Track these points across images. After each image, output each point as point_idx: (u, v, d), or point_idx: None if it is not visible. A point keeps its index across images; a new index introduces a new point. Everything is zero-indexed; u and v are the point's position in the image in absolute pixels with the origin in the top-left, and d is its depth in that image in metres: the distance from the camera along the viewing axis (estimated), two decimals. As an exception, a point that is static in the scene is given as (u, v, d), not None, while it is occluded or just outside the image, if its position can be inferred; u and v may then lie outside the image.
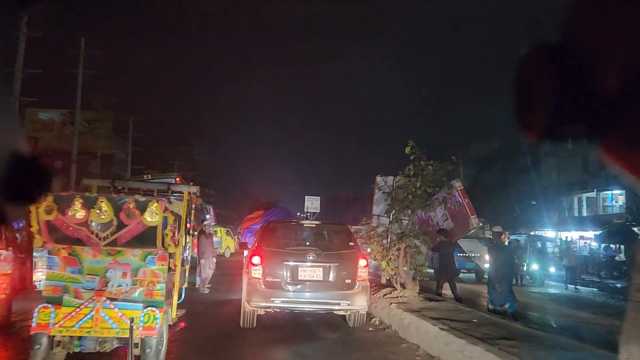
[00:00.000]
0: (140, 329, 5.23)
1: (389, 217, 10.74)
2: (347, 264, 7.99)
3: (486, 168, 39.44)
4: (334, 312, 8.25)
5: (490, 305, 9.98)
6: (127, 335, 5.10)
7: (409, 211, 9.72)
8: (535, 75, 0.75)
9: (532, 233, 20.97)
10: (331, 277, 7.87)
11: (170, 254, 5.74)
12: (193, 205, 7.25)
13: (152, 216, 5.44)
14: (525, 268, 18.46)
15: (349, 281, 7.91)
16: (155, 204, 5.47)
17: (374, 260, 10.55)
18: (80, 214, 5.21)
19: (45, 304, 5.19)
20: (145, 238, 5.43)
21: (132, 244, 5.45)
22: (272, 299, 7.77)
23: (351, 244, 8.42)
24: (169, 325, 6.19)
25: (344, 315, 8.59)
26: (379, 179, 11.42)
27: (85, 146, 36.21)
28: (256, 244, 8.71)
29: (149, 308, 5.29)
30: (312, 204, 22.69)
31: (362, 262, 8.10)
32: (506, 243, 16.91)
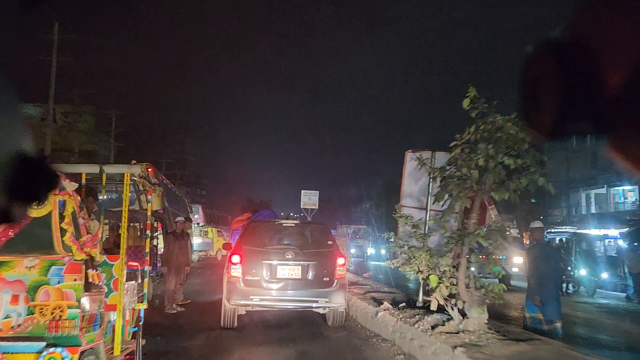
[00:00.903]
0: None
1: (427, 204, 7.21)
2: (325, 263, 7.92)
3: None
4: (313, 309, 8.14)
5: (529, 322, 7.16)
6: None
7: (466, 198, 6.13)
8: (542, 72, 0.74)
9: (577, 230, 17.31)
10: (309, 275, 7.80)
11: (88, 261, 4.03)
12: (149, 197, 5.56)
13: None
14: (571, 274, 14.86)
15: (327, 279, 7.84)
16: None
17: (417, 275, 6.90)
18: None
19: None
20: (36, 238, 3.80)
21: (15, 249, 3.77)
22: (251, 297, 7.63)
23: (329, 242, 8.40)
24: None
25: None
26: (410, 155, 7.89)
27: (65, 142, 32.90)
28: (235, 243, 8.63)
29: (54, 349, 3.57)
30: (310, 199, 19.21)
31: (340, 261, 8.05)
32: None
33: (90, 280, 4.06)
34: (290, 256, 7.78)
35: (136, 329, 4.95)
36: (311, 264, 7.77)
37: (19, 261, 3.79)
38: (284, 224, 8.73)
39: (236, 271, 7.69)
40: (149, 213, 5.35)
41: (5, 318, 3.67)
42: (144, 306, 4.96)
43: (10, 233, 3.75)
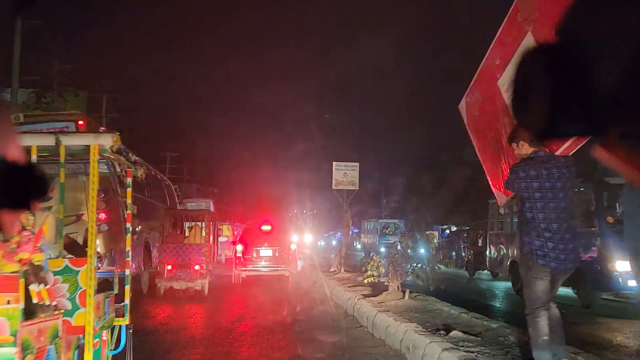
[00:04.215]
0: None
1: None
2: (285, 247, 13.55)
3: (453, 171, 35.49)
4: (279, 272, 13.31)
5: None
6: None
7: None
8: (533, 73, 0.73)
9: None
10: (277, 254, 13.33)
11: (27, 272, 2.73)
12: (129, 179, 4.09)
13: None
14: None
15: (286, 256, 13.39)
16: None
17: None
18: None
19: None
20: None
21: None
22: (247, 266, 13.14)
23: (287, 237, 14.30)
24: None
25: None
26: None
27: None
28: (239, 238, 14.59)
29: None
30: (346, 175, 12.17)
31: (293, 247, 13.84)
32: None
33: (36, 300, 2.72)
34: (266, 245, 13.45)
35: (117, 351, 3.87)
36: (277, 248, 13.39)
37: None
38: (263, 229, 14.15)
39: (239, 253, 13.31)
40: (128, 200, 4.04)
41: None
42: (125, 321, 3.80)
43: None
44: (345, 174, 12.22)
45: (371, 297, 7.84)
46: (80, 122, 8.78)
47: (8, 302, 2.55)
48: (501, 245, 14.69)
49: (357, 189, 12.54)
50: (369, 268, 7.93)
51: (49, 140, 3.38)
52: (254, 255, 13.09)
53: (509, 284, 14.90)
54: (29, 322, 2.64)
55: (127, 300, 3.87)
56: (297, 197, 32.44)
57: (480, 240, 19.62)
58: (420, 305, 7.25)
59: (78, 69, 28.94)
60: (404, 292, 7.71)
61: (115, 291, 3.90)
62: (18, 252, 2.70)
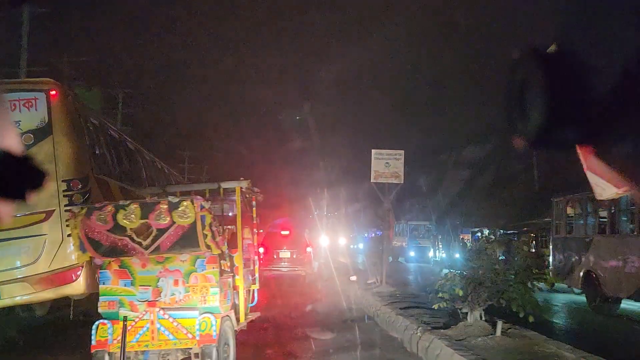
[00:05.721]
0: (198, 337, 4.66)
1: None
2: (301, 250, 15.18)
3: (480, 171, 35.34)
4: (296, 272, 14.76)
5: None
6: (185, 345, 4.74)
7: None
8: (528, 80, 0.72)
9: None
10: (294, 256, 14.90)
11: (220, 255, 5.06)
12: (254, 202, 6.78)
13: (183, 216, 4.70)
14: None
15: (302, 258, 15.02)
16: (187, 203, 4.70)
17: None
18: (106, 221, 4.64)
19: (102, 320, 4.73)
20: (187, 241, 4.76)
21: (175, 249, 4.79)
22: (268, 267, 14.18)
23: (303, 240, 15.80)
24: (236, 330, 5.51)
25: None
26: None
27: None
28: (261, 241, 14.07)
29: (205, 315, 4.68)
30: (388, 166, 9.77)
31: (308, 249, 15.46)
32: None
33: (223, 267, 5.06)
34: (285, 248, 14.90)
35: (253, 304, 6.33)
36: (294, 251, 14.92)
37: (176, 257, 4.78)
38: (282, 233, 15.69)
39: (261, 255, 12.46)
40: (254, 215, 6.58)
41: (172, 295, 4.72)
42: (256, 287, 6.33)
43: (172, 239, 4.63)
44: (387, 164, 9.82)
45: (442, 330, 5.44)
46: (53, 92, 7.33)
47: (213, 268, 4.78)
48: (571, 252, 12.12)
49: (402, 182, 10.18)
50: (438, 287, 5.52)
51: (214, 186, 6.01)
52: (275, 256, 14.81)
53: (574, 297, 12.51)
54: (222, 277, 4.92)
55: (257, 274, 6.26)
56: (324, 196, 29.96)
57: (533, 245, 17.09)
58: (524, 346, 4.82)
59: (89, 62, 27.30)
60: (492, 323, 5.29)
61: (251, 268, 6.17)
62: (220, 245, 4.79)
